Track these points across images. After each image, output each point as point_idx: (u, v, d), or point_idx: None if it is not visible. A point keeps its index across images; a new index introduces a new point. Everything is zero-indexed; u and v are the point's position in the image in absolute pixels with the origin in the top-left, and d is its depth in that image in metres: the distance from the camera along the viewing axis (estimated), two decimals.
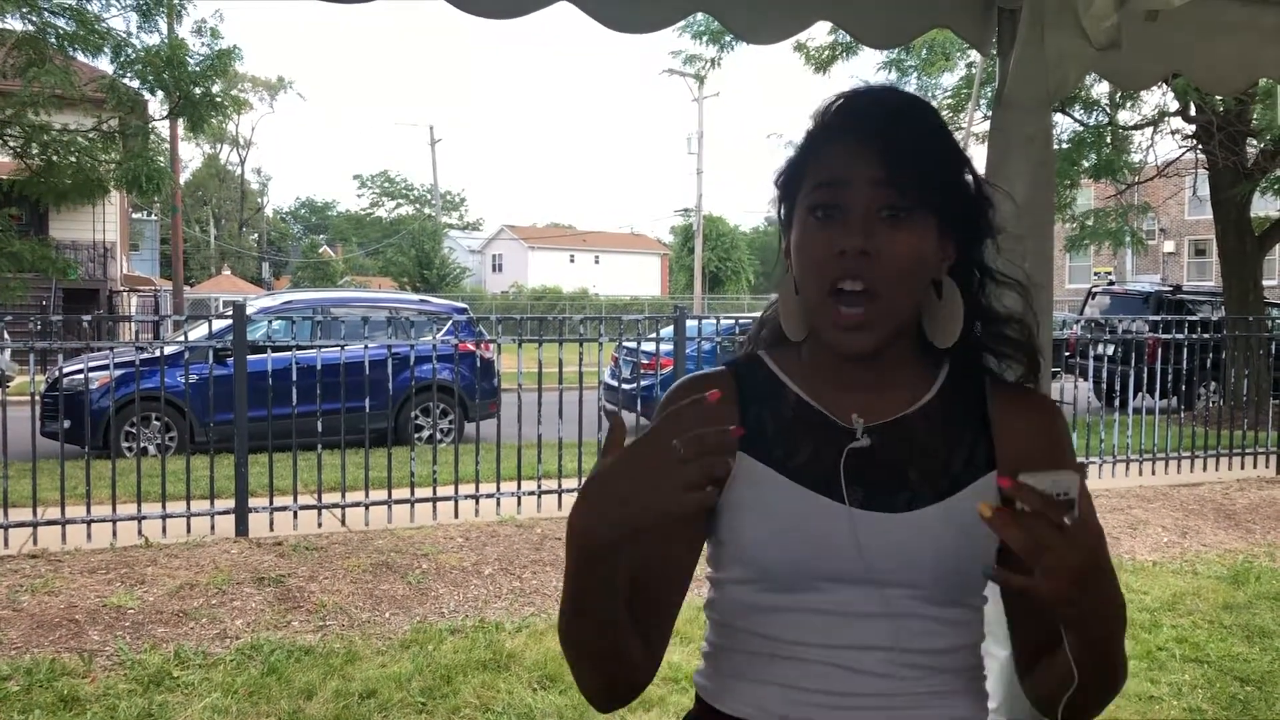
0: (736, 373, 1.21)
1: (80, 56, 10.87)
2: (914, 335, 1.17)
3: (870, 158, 1.08)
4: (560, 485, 7.00)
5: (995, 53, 2.40)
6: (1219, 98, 10.90)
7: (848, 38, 10.84)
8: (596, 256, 56.15)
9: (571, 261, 55.19)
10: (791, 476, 1.11)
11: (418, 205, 66.01)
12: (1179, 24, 2.38)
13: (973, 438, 1.15)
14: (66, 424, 8.68)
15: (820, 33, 12.85)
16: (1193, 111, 12.35)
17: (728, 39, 12.23)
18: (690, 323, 8.05)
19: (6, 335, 13.15)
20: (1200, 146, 12.81)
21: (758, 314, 1.34)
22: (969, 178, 1.15)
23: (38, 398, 6.70)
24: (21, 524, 5.97)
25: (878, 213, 1.08)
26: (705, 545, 1.20)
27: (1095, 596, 0.97)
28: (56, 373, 9.59)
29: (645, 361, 10.18)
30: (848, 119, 1.13)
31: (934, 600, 1.09)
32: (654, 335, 9.96)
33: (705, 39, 12.41)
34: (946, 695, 1.11)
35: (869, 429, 1.13)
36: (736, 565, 1.14)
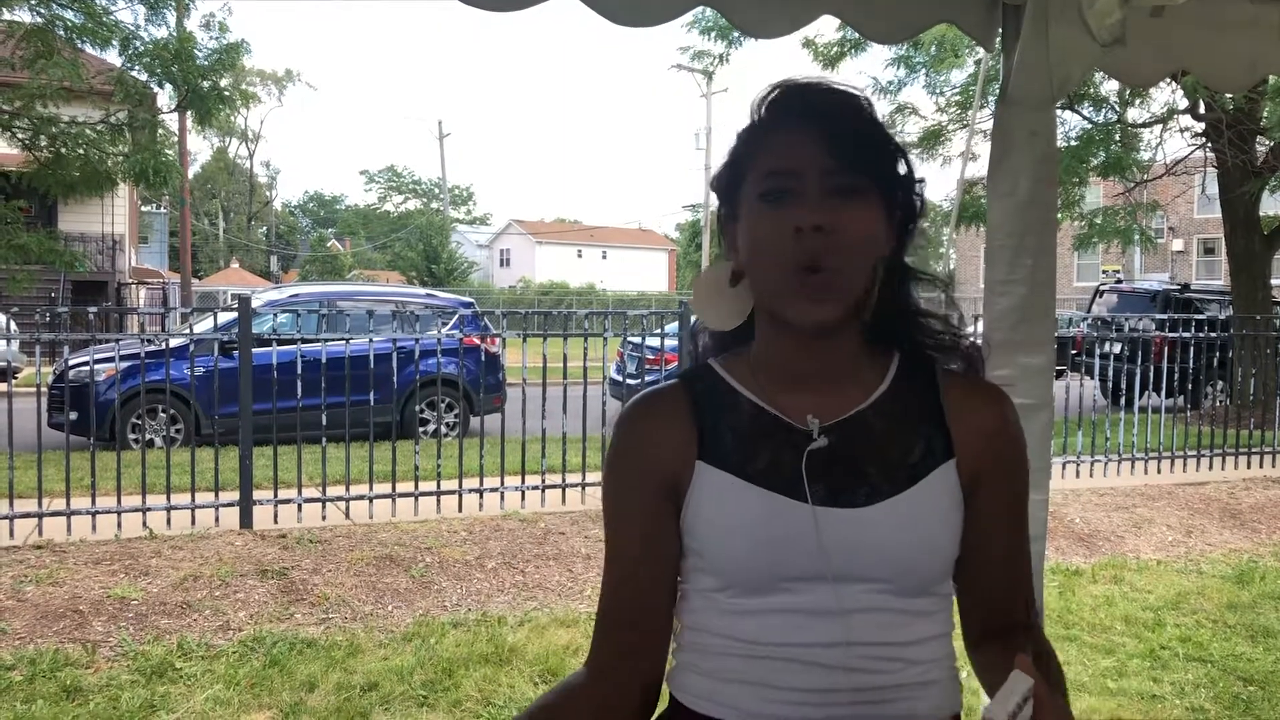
0: (689, 385, 1.21)
1: (88, 49, 10.88)
2: (862, 328, 1.17)
3: (818, 140, 1.09)
4: (564, 480, 7.02)
5: (1000, 48, 2.39)
6: (1228, 95, 10.85)
7: (857, 34, 10.80)
8: (604, 252, 56.09)
9: (579, 257, 55.16)
10: (752, 480, 1.12)
11: (425, 200, 66.02)
12: (1185, 21, 2.36)
13: (928, 428, 1.15)
14: (73, 415, 8.70)
15: (829, 29, 12.85)
16: (1202, 109, 12.30)
17: (735, 35, 12.22)
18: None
19: (13, 326, 13.16)
20: (1209, 144, 12.76)
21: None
22: (903, 166, 1.17)
23: (44, 389, 6.71)
24: (27, 515, 6.00)
25: (829, 192, 1.09)
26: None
27: None
28: (63, 364, 9.61)
29: (650, 357, 10.19)
30: (788, 108, 1.14)
31: (901, 592, 1.10)
32: (659, 331, 9.97)
33: (713, 35, 12.41)
34: (915, 687, 1.12)
35: (825, 428, 1.13)
36: (706, 575, 1.15)
